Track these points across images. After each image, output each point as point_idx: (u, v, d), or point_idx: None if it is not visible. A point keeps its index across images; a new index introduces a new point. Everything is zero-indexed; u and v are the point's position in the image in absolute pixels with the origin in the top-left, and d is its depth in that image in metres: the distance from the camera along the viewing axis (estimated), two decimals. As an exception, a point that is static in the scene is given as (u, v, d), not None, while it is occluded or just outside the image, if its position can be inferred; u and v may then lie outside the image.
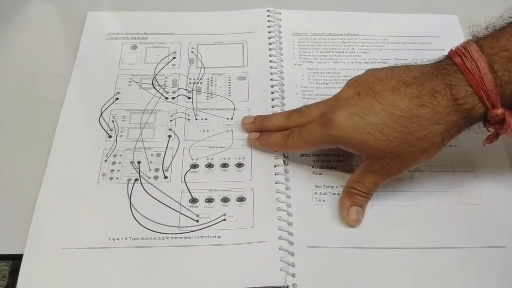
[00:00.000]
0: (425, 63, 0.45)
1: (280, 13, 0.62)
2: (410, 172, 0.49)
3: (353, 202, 0.46)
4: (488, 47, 0.42)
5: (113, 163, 0.49)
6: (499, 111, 0.41)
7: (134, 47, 0.59)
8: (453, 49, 0.43)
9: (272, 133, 0.49)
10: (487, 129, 0.44)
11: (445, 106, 0.42)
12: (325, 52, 0.59)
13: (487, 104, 0.42)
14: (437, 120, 0.42)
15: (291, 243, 0.45)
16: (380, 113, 0.43)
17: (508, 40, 0.41)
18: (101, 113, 0.53)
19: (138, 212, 0.46)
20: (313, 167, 0.50)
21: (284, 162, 0.50)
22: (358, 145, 0.44)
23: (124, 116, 0.53)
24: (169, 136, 0.52)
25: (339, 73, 0.57)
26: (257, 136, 0.50)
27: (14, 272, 0.44)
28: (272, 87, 0.55)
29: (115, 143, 0.51)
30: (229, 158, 0.50)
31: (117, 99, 0.54)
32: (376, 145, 0.43)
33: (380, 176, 0.45)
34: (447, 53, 0.44)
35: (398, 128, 0.43)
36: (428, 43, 0.60)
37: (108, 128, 0.52)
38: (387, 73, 0.45)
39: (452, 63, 0.43)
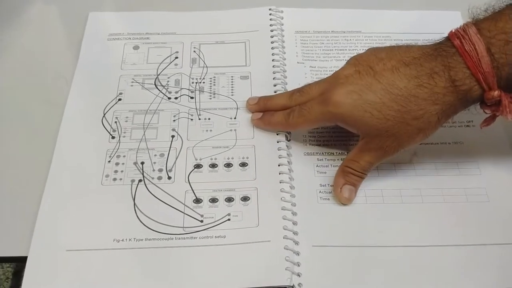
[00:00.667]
0: (425, 44, 0.45)
1: (282, 11, 0.62)
2: (415, 170, 0.49)
3: (347, 181, 0.47)
4: (486, 29, 0.42)
5: (117, 164, 0.49)
6: (496, 93, 0.42)
7: (136, 48, 0.59)
8: (453, 31, 0.44)
9: (274, 113, 0.50)
10: (484, 111, 0.44)
11: (443, 87, 0.43)
12: (328, 50, 0.59)
13: (483, 86, 0.42)
14: (434, 101, 0.43)
15: (296, 243, 0.45)
16: (379, 92, 0.44)
17: (506, 23, 0.41)
18: (104, 114, 0.53)
19: (142, 213, 0.46)
20: (317, 165, 0.50)
21: (288, 162, 0.49)
22: (355, 123, 0.45)
23: (127, 117, 0.53)
24: (172, 136, 0.51)
25: (342, 71, 0.57)
26: (260, 116, 0.51)
27: (17, 274, 0.44)
28: (275, 86, 0.55)
29: (118, 144, 0.51)
30: (232, 158, 0.50)
31: (119, 99, 0.54)
32: (373, 123, 0.44)
33: (376, 155, 0.46)
34: (446, 35, 0.45)
35: (395, 107, 0.43)
36: (431, 39, 0.59)
37: (111, 129, 0.52)
38: (387, 53, 0.46)
39: (451, 45, 0.43)
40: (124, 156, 0.50)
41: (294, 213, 0.46)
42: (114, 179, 0.48)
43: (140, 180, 0.48)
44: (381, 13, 0.62)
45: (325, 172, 0.49)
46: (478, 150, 0.50)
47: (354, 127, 0.46)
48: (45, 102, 0.54)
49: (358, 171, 0.47)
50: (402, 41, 0.59)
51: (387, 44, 0.59)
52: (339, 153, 0.50)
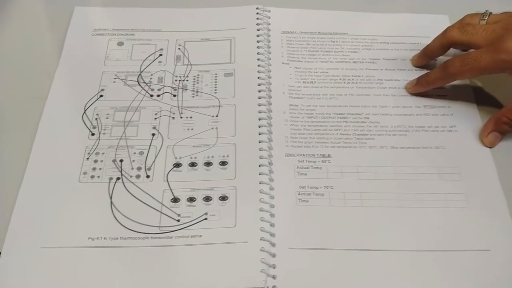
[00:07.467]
0: None
1: (269, 11, 0.62)
2: (396, 173, 0.49)
3: (497, 129, 0.50)
4: None
5: (95, 161, 0.49)
6: None
7: (120, 44, 0.58)
8: None
9: (429, 72, 0.53)
10: None
11: None
12: (314, 51, 0.59)
13: None
14: None
15: (273, 244, 0.44)
16: None
17: None
18: (85, 110, 0.52)
19: (119, 212, 0.46)
20: (297, 167, 0.49)
21: (269, 162, 0.49)
22: None
23: (108, 114, 0.52)
24: (153, 134, 0.51)
25: (327, 72, 0.57)
26: (414, 83, 0.54)
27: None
28: (259, 85, 0.55)
29: (97, 140, 0.50)
30: (213, 157, 0.49)
31: (101, 96, 0.54)
32: None
33: None
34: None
35: None
36: (418, 43, 0.59)
37: (91, 126, 0.51)
38: None
39: None
40: (103, 153, 0.49)
41: (272, 215, 0.46)
42: (92, 177, 0.48)
43: (118, 178, 0.48)
44: (368, 16, 0.62)
45: (306, 174, 0.49)
46: (459, 156, 0.50)
47: None
48: (26, 96, 0.54)
49: None
50: (388, 44, 0.60)
51: (374, 47, 0.60)
52: (320, 155, 0.50)
